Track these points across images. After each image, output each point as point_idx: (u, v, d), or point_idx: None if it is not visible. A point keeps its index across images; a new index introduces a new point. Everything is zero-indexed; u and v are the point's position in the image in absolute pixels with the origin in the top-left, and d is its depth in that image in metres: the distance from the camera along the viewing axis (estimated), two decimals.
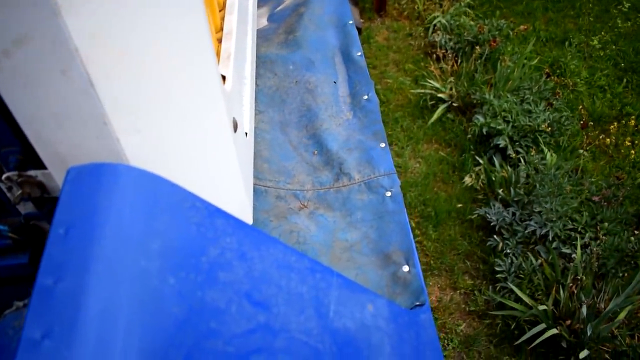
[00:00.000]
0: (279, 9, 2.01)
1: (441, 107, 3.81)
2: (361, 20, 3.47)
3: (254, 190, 1.43)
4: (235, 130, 1.04)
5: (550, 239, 2.66)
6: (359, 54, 1.76)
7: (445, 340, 2.56)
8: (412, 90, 4.05)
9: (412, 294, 1.22)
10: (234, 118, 1.06)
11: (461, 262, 2.90)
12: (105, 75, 0.65)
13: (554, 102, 3.65)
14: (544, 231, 2.69)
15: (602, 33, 4.66)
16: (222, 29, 1.31)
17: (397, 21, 5.14)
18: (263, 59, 1.71)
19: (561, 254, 2.65)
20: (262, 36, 1.85)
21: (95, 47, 0.63)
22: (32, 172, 0.86)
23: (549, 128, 3.34)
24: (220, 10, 1.40)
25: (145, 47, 0.69)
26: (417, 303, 1.20)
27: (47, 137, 0.69)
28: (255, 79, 1.61)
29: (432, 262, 2.89)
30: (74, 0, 0.58)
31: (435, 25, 4.68)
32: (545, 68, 4.18)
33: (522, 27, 4.46)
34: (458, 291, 2.77)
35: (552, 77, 4.03)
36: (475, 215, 3.02)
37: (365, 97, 1.61)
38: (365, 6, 5.30)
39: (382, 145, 1.57)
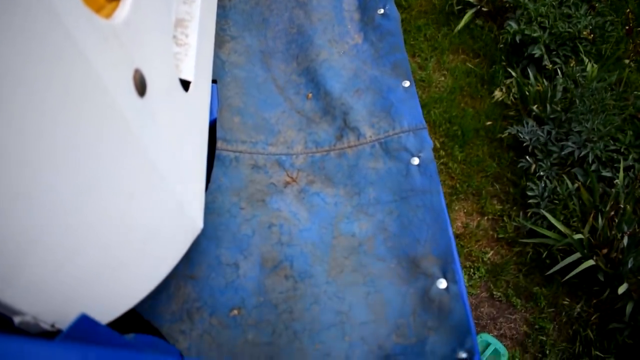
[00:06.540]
0: None
1: (469, 13, 3.43)
2: None
3: (219, 159, 0.98)
4: (142, 93, 0.64)
5: (590, 161, 2.43)
6: None
7: (472, 269, 2.42)
8: None
9: (453, 331, 0.76)
10: (138, 71, 0.63)
11: (490, 185, 2.70)
12: None
13: (596, 5, 3.27)
14: (582, 153, 2.45)
15: None
16: None
17: None
18: None
19: (600, 177, 2.42)
20: None
21: None
22: None
23: (591, 35, 3.00)
24: None
25: None
26: (463, 355, 0.73)
27: None
28: None
29: (458, 185, 2.70)
30: None
31: None
32: None
33: None
34: (486, 217, 2.59)
35: None
36: (506, 134, 2.77)
37: (381, 11, 1.14)
38: None
39: (406, 84, 1.07)
